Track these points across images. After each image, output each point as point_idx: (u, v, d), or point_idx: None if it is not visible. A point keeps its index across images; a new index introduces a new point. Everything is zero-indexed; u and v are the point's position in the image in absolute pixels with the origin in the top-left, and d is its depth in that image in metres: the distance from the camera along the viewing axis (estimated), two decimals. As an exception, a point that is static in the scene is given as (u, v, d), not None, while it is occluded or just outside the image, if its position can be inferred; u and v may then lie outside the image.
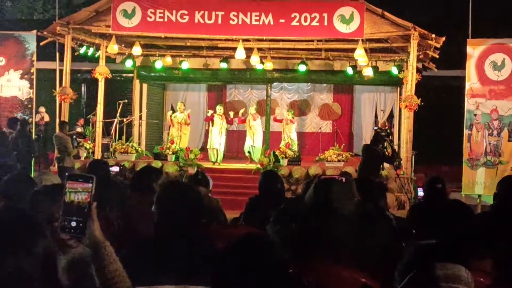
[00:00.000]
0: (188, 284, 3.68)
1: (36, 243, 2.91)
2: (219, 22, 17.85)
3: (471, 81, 17.09)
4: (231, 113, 21.75)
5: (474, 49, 17.14)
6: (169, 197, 4.15)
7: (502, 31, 18.30)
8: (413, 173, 17.78)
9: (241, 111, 22.27)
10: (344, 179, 4.78)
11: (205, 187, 7.64)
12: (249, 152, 20.98)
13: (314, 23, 17.52)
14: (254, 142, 20.92)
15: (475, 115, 17.00)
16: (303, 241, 4.33)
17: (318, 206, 4.29)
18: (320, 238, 4.22)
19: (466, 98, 17.12)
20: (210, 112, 21.70)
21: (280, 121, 22.02)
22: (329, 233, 4.17)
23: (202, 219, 4.39)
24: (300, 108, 25.70)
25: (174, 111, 22.36)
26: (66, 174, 2.84)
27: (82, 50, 20.22)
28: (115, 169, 17.07)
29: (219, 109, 21.16)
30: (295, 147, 20.69)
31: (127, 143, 20.04)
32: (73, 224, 2.70)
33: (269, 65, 21.38)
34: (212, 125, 21.02)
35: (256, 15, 17.71)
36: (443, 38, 17.55)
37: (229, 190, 15.96)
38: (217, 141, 20.70)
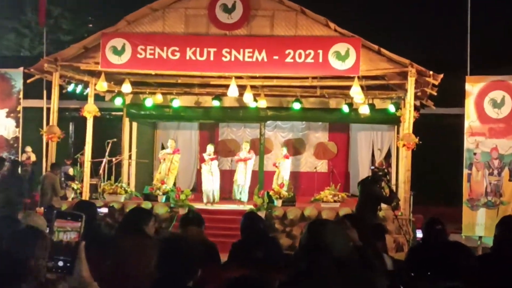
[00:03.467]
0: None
1: (19, 284, 2.91)
2: (211, 59, 17.93)
3: (470, 119, 17.17)
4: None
5: (473, 86, 17.24)
6: (175, 254, 4.20)
7: (502, 68, 18.44)
8: (411, 214, 17.76)
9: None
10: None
11: (198, 226, 7.59)
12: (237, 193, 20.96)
13: (309, 59, 17.60)
14: (245, 180, 20.95)
15: (474, 154, 17.05)
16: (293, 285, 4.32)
17: (310, 248, 4.28)
18: (310, 283, 4.20)
19: (465, 137, 17.19)
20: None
21: (277, 166, 22.12)
22: (320, 277, 4.15)
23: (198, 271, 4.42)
24: (294, 147, 25.70)
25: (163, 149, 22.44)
26: (55, 212, 2.84)
27: (70, 88, 20.30)
28: (104, 210, 17.03)
29: (210, 148, 21.25)
30: (286, 187, 20.72)
31: (116, 183, 19.99)
32: (61, 263, 2.69)
33: (262, 103, 21.43)
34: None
35: (249, 52, 17.80)
36: (441, 75, 17.62)
37: (221, 232, 15.86)
38: (209, 182, 20.72)
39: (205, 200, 20.59)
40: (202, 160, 21.69)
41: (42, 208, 16.93)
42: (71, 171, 21.20)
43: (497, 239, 6.08)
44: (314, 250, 4.21)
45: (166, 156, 21.59)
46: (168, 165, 21.44)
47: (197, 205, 19.37)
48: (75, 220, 2.75)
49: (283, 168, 21.96)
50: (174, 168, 21.61)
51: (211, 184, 20.74)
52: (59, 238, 2.72)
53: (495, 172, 16.93)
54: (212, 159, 21.06)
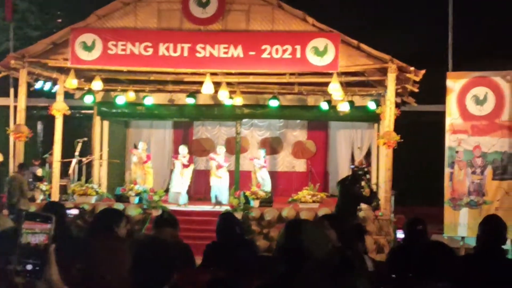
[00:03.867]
0: None
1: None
2: (185, 55, 17.90)
3: (452, 116, 17.23)
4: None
5: (455, 83, 17.30)
6: (150, 259, 4.18)
7: (484, 64, 18.52)
8: (392, 215, 17.84)
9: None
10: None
11: (173, 228, 7.56)
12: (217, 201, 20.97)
13: (286, 55, 17.62)
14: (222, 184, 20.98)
15: (456, 152, 17.11)
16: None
17: (288, 249, 4.28)
18: (290, 286, 4.20)
19: (447, 134, 17.25)
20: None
21: (252, 159, 22.10)
22: (300, 279, 4.16)
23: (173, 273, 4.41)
24: (272, 146, 25.69)
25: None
26: (24, 213, 2.82)
27: (38, 85, 20.16)
28: (74, 212, 16.93)
29: (183, 149, 21.24)
30: (268, 188, 20.71)
31: (87, 184, 19.89)
32: (29, 267, 2.67)
33: (238, 101, 21.42)
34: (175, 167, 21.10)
35: (224, 47, 17.79)
36: (423, 71, 17.69)
37: (197, 234, 15.82)
38: (179, 184, 20.72)
39: (172, 200, 20.52)
40: (176, 157, 21.59)
41: (7, 210, 16.85)
42: (39, 171, 21.02)
43: (480, 239, 6.11)
44: (293, 252, 4.21)
45: (136, 153, 21.55)
46: (142, 173, 21.41)
47: (171, 206, 19.34)
48: (44, 222, 2.73)
49: (261, 173, 21.85)
50: (149, 174, 21.57)
51: (179, 185, 20.71)
52: (27, 240, 2.70)
53: (478, 170, 17.00)
54: (186, 166, 21.03)
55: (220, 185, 20.90)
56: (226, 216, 7.75)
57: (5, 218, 6.16)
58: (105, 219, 6.93)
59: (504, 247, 6.07)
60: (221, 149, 21.81)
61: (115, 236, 6.41)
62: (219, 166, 21.11)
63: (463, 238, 16.78)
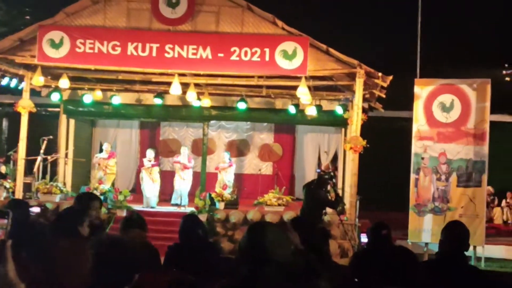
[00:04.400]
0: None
1: None
2: (154, 54, 17.84)
3: (419, 123, 17.35)
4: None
5: (422, 89, 17.43)
6: (111, 260, 4.14)
7: (451, 72, 18.67)
8: (357, 219, 17.86)
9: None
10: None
11: (141, 229, 7.50)
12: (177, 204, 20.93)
13: (255, 58, 17.62)
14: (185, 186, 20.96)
15: (422, 158, 17.24)
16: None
17: (250, 251, 4.26)
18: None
19: (413, 141, 17.36)
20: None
21: (218, 169, 22.09)
22: (263, 282, 4.14)
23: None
24: (238, 148, 25.69)
25: (101, 150, 22.25)
26: (-20, 209, 2.78)
27: (4, 82, 20.01)
28: (36, 209, 16.77)
29: (150, 153, 21.19)
30: (230, 189, 20.73)
31: (51, 182, 19.74)
32: None
33: (206, 102, 21.39)
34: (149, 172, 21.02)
35: (193, 48, 17.75)
36: (390, 77, 17.78)
37: (161, 235, 15.75)
38: (150, 188, 20.68)
39: (145, 205, 20.47)
40: (141, 165, 21.54)
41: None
42: (3, 168, 20.84)
43: (443, 245, 6.13)
44: (255, 254, 4.19)
45: (100, 161, 21.41)
46: (104, 171, 21.29)
47: (136, 207, 19.30)
48: (1, 217, 2.70)
49: (227, 174, 21.87)
50: (111, 173, 21.45)
51: (152, 190, 20.68)
52: (-17, 236, 2.66)
53: (443, 177, 17.13)
54: (153, 166, 20.99)
55: (182, 187, 20.86)
56: (190, 218, 7.71)
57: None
58: (68, 218, 6.85)
59: (466, 253, 6.10)
60: (184, 150, 21.76)
61: (78, 236, 6.33)
62: (184, 167, 21.06)
63: (426, 244, 16.90)
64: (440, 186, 17.12)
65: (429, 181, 17.20)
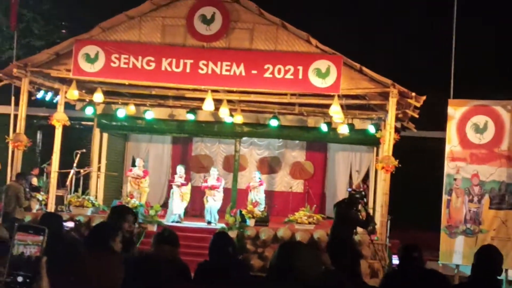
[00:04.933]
0: None
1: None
2: (187, 70, 17.91)
3: (452, 144, 17.23)
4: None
5: (455, 110, 17.31)
6: (142, 275, 4.17)
7: (485, 92, 18.55)
8: (388, 239, 17.77)
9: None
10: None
11: (172, 245, 7.49)
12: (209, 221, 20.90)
13: (288, 75, 17.62)
14: (214, 206, 20.93)
15: (455, 179, 17.09)
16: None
17: (280, 271, 4.27)
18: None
19: (446, 161, 17.24)
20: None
21: (249, 188, 22.06)
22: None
23: None
24: (270, 165, 25.69)
25: (134, 165, 22.35)
26: (16, 224, 2.80)
27: (40, 95, 20.19)
28: (70, 224, 16.90)
29: (180, 170, 21.23)
30: (262, 207, 20.70)
31: (83, 196, 19.84)
32: (20, 279, 2.65)
33: (238, 119, 21.44)
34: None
35: (227, 65, 17.80)
36: (424, 97, 17.69)
37: (191, 250, 15.76)
38: (178, 205, 20.72)
39: (167, 219, 20.49)
40: (172, 180, 21.56)
41: (1, 218, 16.86)
42: (34, 181, 21.01)
43: (475, 268, 6.08)
44: (285, 273, 4.19)
45: (135, 180, 21.49)
46: (137, 185, 21.41)
47: (166, 221, 19.32)
48: (37, 233, 2.72)
49: (257, 193, 21.82)
50: (143, 191, 21.54)
51: (179, 207, 20.70)
52: (19, 252, 2.68)
53: (475, 199, 16.97)
54: (182, 184, 20.98)
55: (212, 205, 20.83)
56: (220, 235, 7.72)
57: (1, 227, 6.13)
58: (101, 233, 6.89)
59: (498, 277, 6.05)
60: (213, 171, 21.73)
61: (110, 251, 6.37)
62: (213, 187, 21.04)
63: (457, 266, 16.74)
64: (472, 208, 16.96)
65: (461, 202, 17.05)
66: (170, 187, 22.40)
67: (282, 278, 4.24)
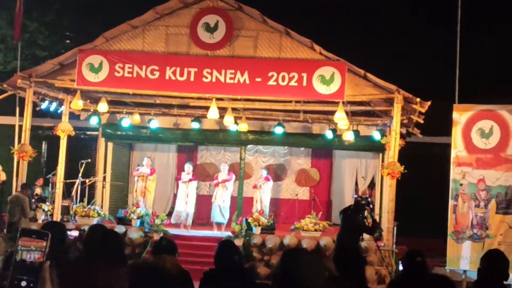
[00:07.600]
0: None
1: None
2: (192, 79, 17.93)
3: (457, 149, 17.20)
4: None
5: (460, 115, 17.29)
6: (146, 283, 4.17)
7: (490, 97, 18.52)
8: (394, 245, 17.73)
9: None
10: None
11: (171, 254, 7.49)
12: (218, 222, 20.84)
13: (292, 83, 17.64)
14: (224, 202, 20.88)
15: (461, 184, 17.06)
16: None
17: (283, 278, 4.25)
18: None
19: (452, 167, 17.20)
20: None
21: (256, 186, 22.05)
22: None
23: None
24: (275, 173, 25.63)
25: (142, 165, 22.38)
26: (19, 229, 2.81)
27: (44, 105, 20.21)
28: (75, 234, 16.86)
29: (188, 167, 21.22)
30: (267, 212, 20.68)
31: (89, 205, 19.87)
32: (23, 284, 2.66)
33: (243, 126, 21.43)
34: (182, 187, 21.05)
35: (231, 73, 17.82)
36: (429, 103, 17.67)
37: (197, 259, 15.74)
38: (182, 203, 20.69)
39: (173, 221, 20.50)
40: (179, 178, 21.58)
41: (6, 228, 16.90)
42: (38, 190, 21.04)
43: (482, 273, 6.05)
44: (288, 281, 4.18)
45: (142, 176, 21.52)
46: (144, 185, 21.41)
47: (173, 230, 19.31)
48: (40, 238, 2.72)
49: (263, 191, 21.84)
50: (151, 186, 21.53)
51: (184, 205, 20.69)
52: (22, 257, 2.69)
53: (482, 204, 16.93)
54: (190, 180, 21.01)
55: (221, 204, 20.78)
56: (225, 243, 7.68)
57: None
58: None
59: (505, 282, 6.02)
60: (224, 166, 21.79)
61: (113, 260, 6.35)
62: (224, 181, 21.04)
63: (465, 271, 16.69)
64: (478, 213, 16.92)
65: (467, 207, 17.01)
66: (176, 195, 22.40)
67: (285, 285, 4.23)
